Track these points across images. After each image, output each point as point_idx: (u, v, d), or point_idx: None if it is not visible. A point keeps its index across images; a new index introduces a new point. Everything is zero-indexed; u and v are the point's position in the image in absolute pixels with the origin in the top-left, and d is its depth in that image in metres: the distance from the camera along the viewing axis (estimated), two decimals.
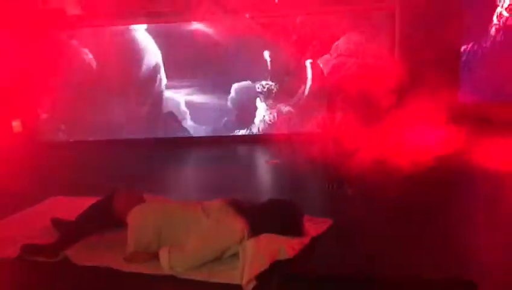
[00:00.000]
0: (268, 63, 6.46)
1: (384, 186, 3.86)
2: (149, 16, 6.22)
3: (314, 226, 3.30)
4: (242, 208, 3.06)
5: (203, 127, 6.57)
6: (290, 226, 3.10)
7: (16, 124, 6.01)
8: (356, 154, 3.94)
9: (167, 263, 2.81)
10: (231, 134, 6.50)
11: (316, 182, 4.21)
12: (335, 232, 3.27)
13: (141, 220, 3.03)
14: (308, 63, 6.29)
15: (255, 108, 6.55)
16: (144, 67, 6.65)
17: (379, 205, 3.51)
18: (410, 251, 2.86)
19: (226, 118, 6.59)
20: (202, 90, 6.60)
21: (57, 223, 3.32)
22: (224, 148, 6.02)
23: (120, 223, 3.07)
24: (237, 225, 2.90)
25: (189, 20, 6.28)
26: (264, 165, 5.08)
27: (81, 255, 2.98)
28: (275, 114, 6.53)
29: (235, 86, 6.60)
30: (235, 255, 2.81)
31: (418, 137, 4.33)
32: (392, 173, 4.01)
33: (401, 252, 2.82)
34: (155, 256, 2.86)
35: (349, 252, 2.94)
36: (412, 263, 2.71)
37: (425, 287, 2.00)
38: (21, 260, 2.98)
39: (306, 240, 3.11)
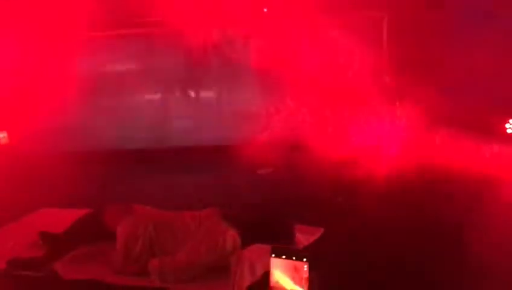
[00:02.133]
0: None
1: (375, 195, 3.87)
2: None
3: (305, 235, 3.29)
4: (233, 219, 3.05)
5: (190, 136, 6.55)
6: (281, 236, 3.09)
7: (3, 136, 5.94)
8: (347, 163, 3.96)
9: (158, 275, 2.79)
10: (218, 144, 6.47)
11: (308, 191, 4.20)
12: (326, 241, 3.26)
13: (131, 232, 3.01)
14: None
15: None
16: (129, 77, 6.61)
17: (370, 213, 3.52)
18: (402, 261, 2.87)
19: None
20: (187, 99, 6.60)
21: (44, 236, 3.26)
22: (214, 157, 5.99)
23: (109, 236, 3.04)
24: (228, 236, 2.89)
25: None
26: (253, 174, 5.06)
27: (69, 268, 2.94)
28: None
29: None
30: (226, 266, 2.78)
31: (406, 145, 4.36)
32: (381, 181, 4.03)
33: (393, 262, 2.82)
34: (145, 268, 2.83)
35: (340, 262, 2.93)
36: (403, 274, 2.72)
37: None
38: (8, 275, 2.92)
39: None
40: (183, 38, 6.22)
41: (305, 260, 1.80)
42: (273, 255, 1.85)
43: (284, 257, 1.83)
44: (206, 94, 6.65)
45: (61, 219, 3.55)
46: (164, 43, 6.43)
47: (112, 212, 3.15)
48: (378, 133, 4.20)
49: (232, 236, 2.89)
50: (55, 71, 6.38)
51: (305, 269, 1.80)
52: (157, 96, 6.66)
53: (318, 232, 3.37)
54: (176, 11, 5.45)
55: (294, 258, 1.82)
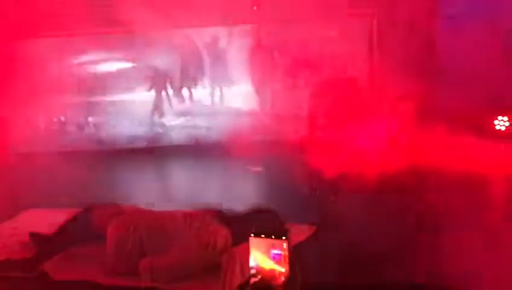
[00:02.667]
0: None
1: (367, 192, 3.93)
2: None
3: (297, 233, 3.33)
4: (224, 218, 3.08)
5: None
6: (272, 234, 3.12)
7: None
8: (339, 160, 4.00)
9: (149, 275, 2.79)
10: (211, 142, 6.48)
11: (298, 188, 4.24)
12: (318, 239, 3.32)
13: (121, 232, 3.00)
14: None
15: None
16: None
17: (362, 211, 3.57)
18: (394, 257, 2.91)
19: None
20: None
21: (34, 237, 3.24)
22: (205, 156, 5.99)
23: (100, 236, 3.03)
24: (219, 235, 2.91)
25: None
26: (244, 173, 5.07)
27: (59, 269, 2.92)
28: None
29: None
30: (218, 265, 2.80)
31: (399, 141, 4.41)
32: (373, 178, 4.09)
33: (384, 259, 2.87)
34: (136, 268, 2.82)
35: (332, 259, 2.98)
36: (394, 269, 2.76)
37: None
38: None
39: None
40: (177, 36, 6.26)
41: (284, 238, 1.76)
42: (252, 235, 1.81)
43: (262, 235, 1.80)
44: (200, 92, 6.63)
45: (51, 219, 3.53)
46: (158, 41, 6.42)
47: (102, 212, 3.14)
48: (370, 130, 4.25)
49: (223, 235, 2.91)
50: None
51: (285, 246, 1.74)
52: (150, 94, 6.62)
53: (310, 230, 3.39)
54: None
55: (273, 236, 1.78)
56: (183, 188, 4.88)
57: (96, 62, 6.60)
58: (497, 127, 5.61)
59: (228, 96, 6.59)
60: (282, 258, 1.74)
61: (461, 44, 5.21)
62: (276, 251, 1.76)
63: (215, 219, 3.04)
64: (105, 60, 6.60)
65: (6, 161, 5.12)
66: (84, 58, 6.58)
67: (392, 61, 5.10)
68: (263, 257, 1.77)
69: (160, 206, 3.37)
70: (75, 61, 6.58)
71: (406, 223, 3.39)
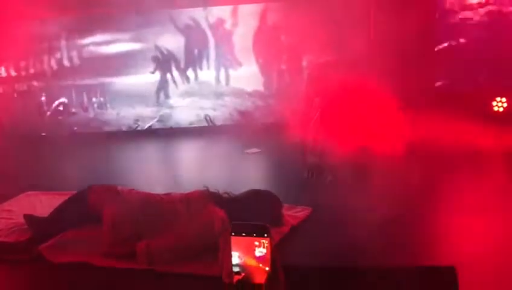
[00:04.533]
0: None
1: (365, 174, 3.87)
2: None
3: (294, 215, 3.29)
4: (220, 199, 3.04)
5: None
6: (269, 216, 3.08)
7: None
8: (336, 141, 3.95)
9: (145, 257, 2.77)
10: (209, 124, 6.45)
11: (295, 170, 4.20)
12: (315, 220, 3.27)
13: (117, 214, 2.97)
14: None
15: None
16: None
17: (359, 193, 3.52)
18: (391, 240, 2.86)
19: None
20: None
21: (29, 219, 3.22)
22: (201, 138, 5.96)
23: (96, 218, 3.01)
24: (216, 217, 2.86)
25: None
26: (242, 155, 5.03)
27: (56, 251, 2.90)
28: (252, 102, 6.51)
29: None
30: (214, 248, 2.76)
31: (395, 123, 4.35)
32: (372, 160, 4.03)
33: (382, 241, 2.82)
34: (133, 250, 2.80)
35: (329, 241, 2.93)
36: (392, 251, 2.71)
37: (406, 275, 2.00)
38: None
39: (286, 229, 3.10)
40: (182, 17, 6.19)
41: (266, 235, 1.67)
42: (233, 234, 1.70)
43: (243, 234, 1.69)
44: (205, 73, 6.57)
45: (47, 202, 3.53)
46: (163, 21, 6.36)
47: (98, 194, 3.10)
48: (369, 111, 4.19)
49: (220, 218, 2.86)
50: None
51: (267, 245, 1.67)
52: (155, 75, 6.57)
53: (306, 212, 3.37)
54: None
55: (255, 234, 1.68)
56: (184, 170, 4.86)
57: (100, 43, 6.56)
58: (495, 109, 5.53)
59: (233, 77, 6.51)
60: (265, 257, 1.67)
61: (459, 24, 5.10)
62: (258, 250, 1.69)
63: (213, 201, 3.00)
64: (109, 41, 6.55)
65: (4, 143, 5.15)
66: (88, 39, 6.54)
67: (390, 42, 5.00)
68: (245, 255, 1.70)
69: (160, 188, 3.34)
70: (79, 42, 6.54)
71: (406, 206, 3.32)
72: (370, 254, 2.63)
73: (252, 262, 1.70)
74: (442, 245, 2.81)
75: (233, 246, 1.70)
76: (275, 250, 1.70)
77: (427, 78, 4.79)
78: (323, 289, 2.05)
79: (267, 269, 1.66)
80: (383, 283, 1.97)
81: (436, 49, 5.22)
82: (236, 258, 1.71)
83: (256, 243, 1.68)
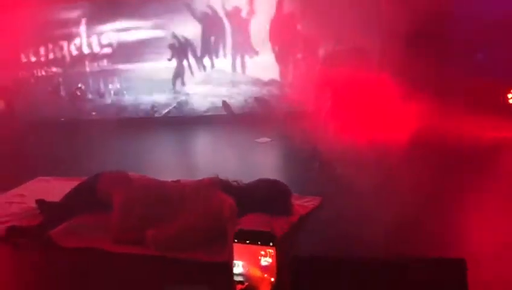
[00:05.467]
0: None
1: (374, 165, 3.82)
2: None
3: (303, 204, 3.27)
4: (229, 187, 3.03)
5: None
6: (278, 205, 3.07)
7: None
8: (345, 131, 3.91)
9: (154, 244, 2.77)
10: (225, 110, 6.44)
11: (305, 160, 4.17)
12: (324, 210, 3.24)
13: (127, 200, 2.99)
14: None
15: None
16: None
17: (369, 184, 3.47)
18: (400, 231, 2.82)
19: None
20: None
21: (41, 204, 3.27)
22: (215, 126, 5.96)
23: (106, 204, 3.03)
24: (225, 205, 2.85)
25: None
26: (252, 144, 5.01)
27: (66, 236, 2.93)
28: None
29: None
30: (223, 235, 2.76)
31: (406, 114, 4.28)
32: (381, 151, 3.98)
33: (391, 232, 2.78)
34: (142, 236, 2.81)
35: (338, 231, 2.90)
36: (401, 243, 2.68)
37: (415, 267, 1.96)
38: (6, 242, 2.94)
39: (295, 218, 3.08)
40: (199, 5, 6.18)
41: (272, 244, 1.59)
42: (236, 241, 1.63)
43: (248, 241, 1.61)
44: (221, 61, 6.56)
45: (59, 187, 3.56)
46: (180, 9, 6.36)
47: (108, 180, 3.12)
48: (378, 100, 4.13)
49: (229, 205, 2.85)
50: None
51: (273, 253, 1.59)
52: (171, 62, 6.58)
53: (316, 201, 3.34)
54: None
55: (260, 243, 1.60)
56: (196, 157, 4.87)
57: (118, 30, 6.59)
58: (511, 101, 5.36)
59: (249, 66, 6.48)
60: (271, 267, 1.60)
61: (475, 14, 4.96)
62: (264, 259, 1.62)
63: (222, 188, 2.99)
64: (127, 28, 6.58)
65: (19, 128, 5.22)
66: (107, 25, 6.57)
67: (401, 31, 4.89)
68: (249, 264, 1.64)
69: (171, 175, 3.34)
70: (98, 29, 6.58)
71: (416, 197, 3.27)
72: (378, 245, 2.60)
73: (257, 272, 1.64)
74: (452, 237, 2.76)
75: (237, 255, 1.65)
76: (282, 259, 1.62)
77: (439, 69, 4.67)
78: (331, 279, 2.02)
79: (272, 279, 1.60)
80: (391, 275, 1.94)
81: (449, 38, 5.08)
82: (240, 267, 1.66)
83: (262, 252, 1.61)
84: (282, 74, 6.41)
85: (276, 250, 1.59)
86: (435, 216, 3.03)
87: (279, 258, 1.59)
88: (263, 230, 1.62)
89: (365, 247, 2.62)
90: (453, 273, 1.93)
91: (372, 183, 3.45)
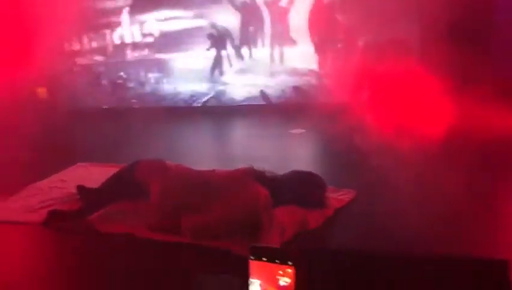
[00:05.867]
0: None
1: (411, 159, 3.74)
2: None
3: (338, 197, 3.24)
4: (264, 178, 3.03)
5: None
6: (313, 197, 3.06)
7: (41, 91, 6.08)
8: (383, 124, 3.83)
9: (190, 232, 2.81)
10: (263, 99, 6.42)
11: (341, 152, 4.12)
12: (359, 204, 3.20)
13: (164, 189, 3.04)
14: None
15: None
16: None
17: (406, 179, 3.41)
18: (438, 228, 2.76)
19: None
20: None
21: (82, 190, 3.36)
22: (252, 116, 5.95)
23: (143, 191, 3.08)
24: (260, 195, 2.86)
25: None
26: (287, 135, 4.98)
27: (104, 222, 3.01)
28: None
29: None
30: (257, 226, 2.77)
31: (445, 107, 4.15)
32: (419, 145, 3.88)
33: (428, 229, 2.72)
34: (178, 224, 2.86)
35: (373, 226, 2.87)
36: (439, 241, 2.62)
37: (454, 267, 1.91)
38: (47, 226, 3.04)
39: (329, 212, 3.06)
40: None
41: (290, 263, 1.45)
42: (252, 258, 1.49)
43: (264, 259, 1.48)
44: (259, 51, 6.54)
45: (97, 173, 3.65)
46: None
47: (146, 168, 3.18)
48: (417, 92, 4.02)
49: (263, 196, 2.86)
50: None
51: (291, 273, 1.46)
52: (210, 52, 6.61)
53: (351, 195, 3.31)
54: None
55: (278, 261, 1.47)
56: (232, 147, 4.88)
57: (159, 19, 6.65)
58: None
59: (288, 55, 6.43)
60: (289, 287, 1.48)
61: None
62: (282, 279, 1.50)
63: (256, 179, 2.99)
64: (168, 18, 6.63)
65: (61, 116, 5.35)
66: (148, 15, 6.64)
67: (442, 22, 4.73)
68: (266, 283, 1.51)
69: (200, 166, 3.36)
70: (140, 18, 6.67)
71: (455, 194, 3.18)
72: (415, 242, 2.56)
73: None
74: (494, 237, 2.68)
75: (253, 273, 1.52)
76: (302, 280, 1.50)
77: (482, 62, 4.50)
78: (363, 274, 2.00)
79: None
80: (427, 274, 1.90)
81: (492, 30, 4.89)
82: (256, 286, 1.53)
83: (280, 272, 1.49)
84: (320, 64, 6.34)
85: (296, 270, 1.47)
86: (476, 214, 2.95)
87: (299, 279, 1.47)
88: (281, 248, 1.60)
89: (401, 243, 2.58)
90: (494, 274, 1.87)
91: (409, 177, 3.39)
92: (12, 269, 2.60)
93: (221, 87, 6.64)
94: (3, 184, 3.66)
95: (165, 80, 6.76)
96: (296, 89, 6.35)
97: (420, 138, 3.91)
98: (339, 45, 6.23)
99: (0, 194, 3.47)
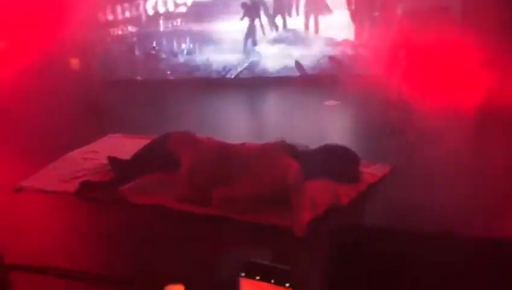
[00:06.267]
0: None
1: (449, 133, 3.59)
2: None
3: (372, 172, 3.15)
4: (296, 152, 2.97)
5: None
6: (345, 171, 2.98)
7: (74, 61, 6.12)
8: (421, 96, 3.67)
9: (220, 204, 2.80)
10: (287, 75, 6.30)
11: (376, 126, 4.00)
12: (394, 179, 3.11)
13: (195, 161, 3.02)
14: None
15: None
16: None
17: (443, 155, 3.28)
18: (469, 207, 2.66)
19: None
20: None
21: (113, 161, 3.38)
22: (285, 87, 5.85)
23: (174, 163, 3.07)
24: (291, 169, 2.81)
25: None
26: (319, 107, 4.86)
27: (135, 193, 3.02)
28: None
29: None
30: (288, 199, 2.72)
31: (486, 78, 3.93)
32: (458, 118, 3.72)
33: (463, 207, 2.62)
34: (208, 196, 2.84)
35: (406, 202, 2.78)
36: (469, 219, 2.52)
37: (482, 246, 1.83)
38: (79, 196, 3.08)
39: (362, 186, 2.99)
40: None
41: (287, 285, 1.25)
42: (243, 275, 1.29)
43: (258, 277, 1.28)
44: (294, 20, 6.39)
45: (128, 144, 3.67)
46: None
47: (177, 140, 3.16)
48: (457, 64, 3.82)
49: (294, 169, 2.80)
50: None
51: None
52: (243, 22, 6.50)
53: (386, 169, 3.21)
54: None
55: (273, 281, 1.26)
56: (264, 120, 4.81)
57: None
58: None
59: (323, 25, 6.27)
60: None
61: None
62: None
63: (288, 153, 2.93)
64: None
65: (94, 87, 5.37)
66: None
67: None
68: None
69: (230, 139, 3.33)
70: None
71: (494, 170, 3.04)
72: (448, 220, 2.46)
73: None
74: None
75: None
76: None
77: None
78: (392, 250, 1.93)
79: None
80: (458, 253, 1.82)
81: None
82: None
83: None
84: (356, 33, 6.16)
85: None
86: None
87: None
88: (279, 265, 1.29)
89: (437, 222, 2.48)
90: None
91: (448, 152, 3.25)
92: (45, 237, 2.65)
93: (254, 58, 6.54)
94: (38, 155, 3.72)
95: (197, 51, 6.71)
96: (331, 59, 6.19)
97: (459, 111, 3.74)
98: (376, 13, 6.02)
99: (35, 164, 3.52)
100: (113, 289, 2.16)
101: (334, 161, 2.98)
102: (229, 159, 2.99)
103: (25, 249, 2.46)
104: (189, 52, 6.72)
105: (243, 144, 3.23)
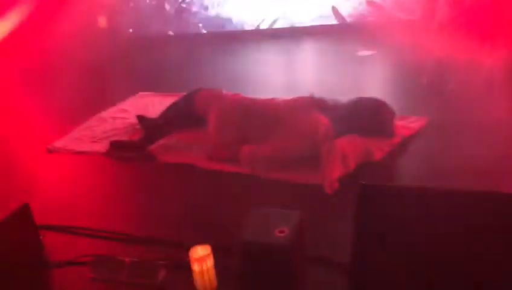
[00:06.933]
0: None
1: (491, 84, 3.37)
2: None
3: (407, 125, 3.02)
4: (326, 106, 2.87)
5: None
6: (379, 126, 2.87)
7: (101, 20, 6.06)
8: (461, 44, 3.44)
9: (248, 162, 2.75)
10: (327, 23, 6.05)
11: (412, 76, 3.81)
12: (430, 132, 2.96)
13: (223, 118, 2.98)
14: None
15: None
16: None
17: (484, 106, 3.08)
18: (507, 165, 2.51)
19: None
20: None
21: (141, 120, 3.37)
22: (320, 37, 5.63)
23: (203, 121, 3.03)
24: (320, 125, 2.71)
25: None
26: (353, 57, 4.67)
27: (164, 152, 3.01)
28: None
29: None
30: (318, 156, 2.64)
31: None
32: (501, 68, 3.47)
33: (497, 165, 2.46)
34: (236, 154, 2.79)
35: (442, 158, 2.65)
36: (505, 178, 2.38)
37: None
38: (109, 156, 3.09)
39: (396, 140, 2.87)
40: None
41: None
42: None
43: None
44: None
45: (158, 103, 3.64)
46: None
47: (204, 97, 3.12)
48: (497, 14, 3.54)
49: (324, 125, 2.71)
50: None
51: None
52: None
53: (422, 122, 3.07)
54: None
55: None
56: (296, 73, 4.66)
57: None
58: None
59: None
60: None
61: None
62: None
63: (317, 108, 2.84)
64: None
65: (123, 45, 5.33)
66: None
67: None
68: None
69: (257, 94, 3.24)
70: None
71: None
72: (480, 177, 2.33)
73: None
74: None
75: None
76: None
77: None
78: (422, 209, 1.82)
79: None
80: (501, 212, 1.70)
81: None
82: None
83: None
84: None
85: None
86: None
87: None
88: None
89: (474, 179, 2.35)
90: None
91: (488, 107, 3.06)
92: (77, 197, 2.69)
93: (287, 8, 6.32)
94: (69, 115, 3.75)
95: (229, 2, 6.54)
96: (370, 3, 5.89)
97: (502, 63, 3.49)
98: None
99: (66, 124, 3.55)
100: (141, 249, 2.16)
101: (366, 115, 2.85)
102: (256, 117, 2.93)
103: (56, 209, 2.51)
104: (219, 4, 6.57)
105: (271, 100, 3.14)
